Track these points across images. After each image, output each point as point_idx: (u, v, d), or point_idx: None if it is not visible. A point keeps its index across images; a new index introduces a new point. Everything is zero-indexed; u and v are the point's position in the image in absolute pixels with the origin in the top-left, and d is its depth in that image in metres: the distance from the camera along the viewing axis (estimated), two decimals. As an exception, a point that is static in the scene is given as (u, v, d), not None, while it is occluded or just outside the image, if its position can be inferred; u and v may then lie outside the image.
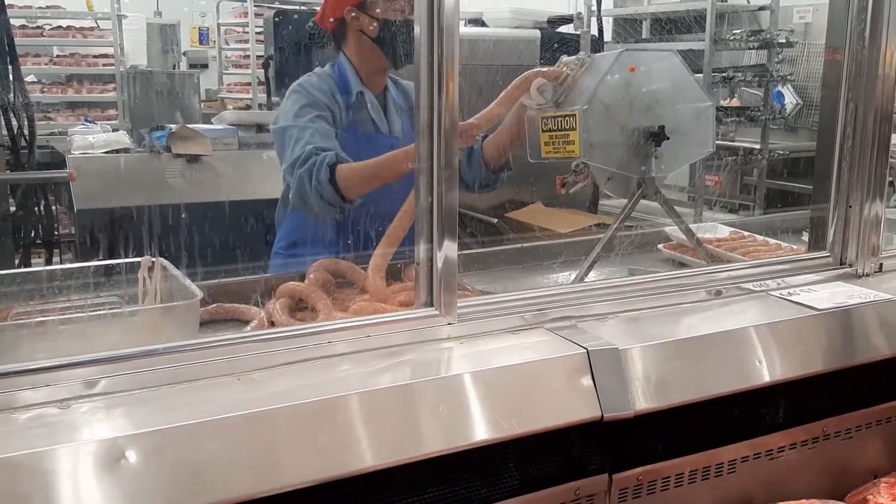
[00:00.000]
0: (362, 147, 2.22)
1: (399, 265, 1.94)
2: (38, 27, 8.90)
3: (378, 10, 2.24)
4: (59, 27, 9.05)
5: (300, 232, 2.38)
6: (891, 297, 1.77)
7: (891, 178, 2.21)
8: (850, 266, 1.93)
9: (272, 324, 1.75)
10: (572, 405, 1.39)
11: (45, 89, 8.93)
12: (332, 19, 2.34)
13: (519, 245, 2.35)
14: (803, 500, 1.56)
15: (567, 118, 1.93)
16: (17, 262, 4.27)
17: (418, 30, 1.39)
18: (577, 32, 4.27)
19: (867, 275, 1.93)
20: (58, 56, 9.23)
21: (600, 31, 5.15)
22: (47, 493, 1.06)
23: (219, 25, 10.24)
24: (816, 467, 1.69)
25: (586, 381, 1.41)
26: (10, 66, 4.19)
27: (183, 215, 3.86)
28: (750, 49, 6.44)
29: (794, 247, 2.32)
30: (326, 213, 2.16)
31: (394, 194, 1.91)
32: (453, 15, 1.38)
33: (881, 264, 1.95)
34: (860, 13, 1.82)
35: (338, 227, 2.26)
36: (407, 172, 1.75)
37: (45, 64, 9.09)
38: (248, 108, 9.13)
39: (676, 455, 1.52)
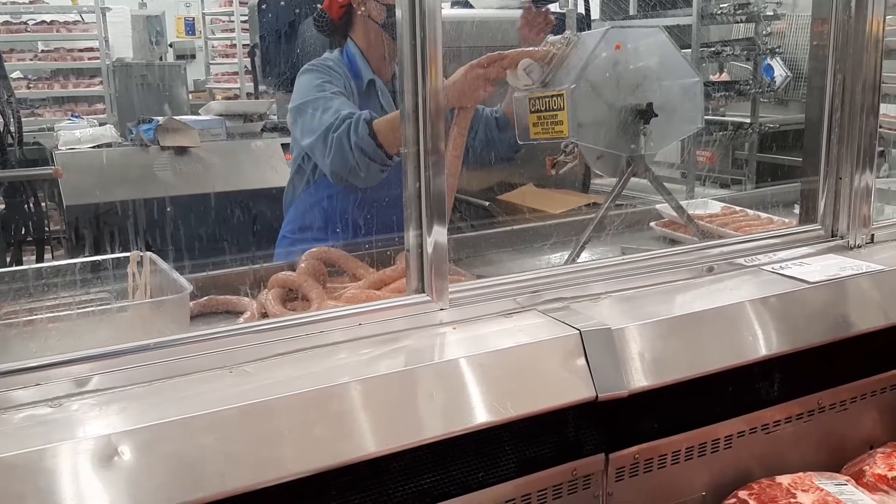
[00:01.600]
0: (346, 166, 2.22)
1: (389, 252, 1.94)
2: (22, 23, 8.84)
3: None
4: (43, 22, 8.98)
5: (309, 217, 2.37)
6: (882, 267, 1.77)
7: (881, 148, 2.21)
8: (842, 238, 1.93)
9: (265, 315, 1.74)
10: (567, 386, 1.39)
11: (31, 85, 8.87)
12: (340, 5, 2.33)
13: (510, 227, 2.35)
14: (800, 473, 1.56)
15: (555, 98, 1.92)
16: (8, 260, 4.26)
17: (400, 13, 1.38)
18: (563, 11, 4.24)
19: (859, 246, 1.93)
20: (42, 51, 9.16)
21: (587, 8, 5.11)
22: (42, 493, 1.05)
23: (204, 15, 10.16)
24: (812, 440, 1.70)
25: (580, 361, 1.41)
26: (-5, 64, 4.16)
27: (173, 208, 3.85)
28: (738, 23, 6.41)
29: (786, 220, 2.31)
30: (370, 172, 2.12)
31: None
32: (435, -1, 1.36)
33: (872, 235, 1.95)
34: (846, -17, 1.81)
35: (346, 212, 2.25)
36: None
37: (30, 60, 9.03)
38: (236, 97, 9.08)
39: (672, 432, 1.52)
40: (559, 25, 2.16)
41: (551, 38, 2.02)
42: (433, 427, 1.29)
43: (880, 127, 1.93)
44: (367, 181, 2.16)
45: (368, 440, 1.24)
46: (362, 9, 2.29)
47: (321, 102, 2.18)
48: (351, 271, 1.94)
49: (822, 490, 1.49)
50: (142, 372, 1.27)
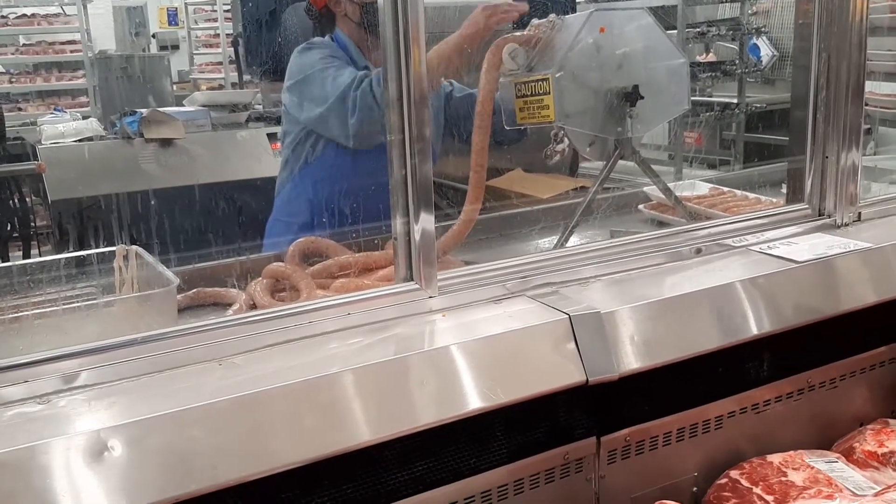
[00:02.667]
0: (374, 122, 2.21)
1: (377, 240, 1.93)
2: (2, 16, 8.74)
3: None
4: (24, 16, 8.89)
5: (301, 201, 2.37)
6: (869, 245, 1.78)
7: (867, 126, 2.21)
8: (829, 217, 1.93)
9: (254, 306, 1.73)
10: (557, 371, 1.39)
11: (14, 79, 8.79)
12: (321, 4, 2.35)
13: (498, 213, 2.34)
14: (791, 452, 1.57)
15: (540, 83, 1.91)
16: (-5, 256, 4.23)
17: (381, 0, 1.37)
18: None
19: (846, 224, 1.93)
20: (24, 45, 9.08)
21: (572, -9, 5.09)
22: (33, 490, 1.05)
23: (186, 4, 10.07)
24: (803, 418, 1.71)
25: (570, 346, 1.41)
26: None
27: (159, 201, 3.83)
28: (723, 2, 6.41)
29: (774, 200, 2.32)
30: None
31: None
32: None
33: (859, 213, 1.96)
34: (829, -39, 1.80)
35: (338, 197, 2.24)
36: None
37: (12, 54, 8.94)
38: (220, 87, 9.02)
39: (663, 414, 1.52)
40: (544, 9, 2.15)
41: (535, 21, 2.01)
42: (425, 415, 1.29)
43: (866, 105, 1.93)
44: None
45: (360, 429, 1.24)
46: (339, 9, 2.31)
47: (331, 71, 2.18)
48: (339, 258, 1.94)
49: (812, 468, 1.50)
50: (130, 366, 1.26)
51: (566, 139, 1.95)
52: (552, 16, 2.00)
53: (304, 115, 2.27)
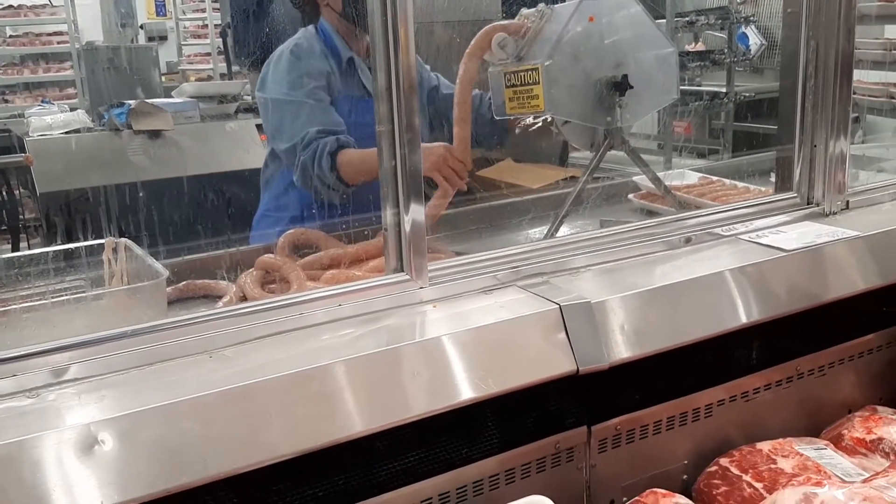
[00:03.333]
0: (358, 111, 2.20)
1: (367, 232, 1.93)
2: (-12, 8, 8.67)
3: None
4: (10, 7, 8.81)
5: (288, 195, 2.36)
6: (857, 233, 1.79)
7: (855, 115, 2.22)
8: (818, 205, 1.94)
9: (244, 298, 1.73)
10: (548, 361, 1.40)
11: (0, 71, 8.71)
12: None
13: (489, 203, 2.34)
14: (780, 439, 1.58)
15: (530, 72, 1.91)
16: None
17: (370, -12, 1.36)
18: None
19: (834, 213, 1.94)
20: (11, 37, 9.00)
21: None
22: (24, 484, 1.04)
23: (174, -5, 9.99)
24: (792, 406, 1.72)
25: (560, 336, 1.41)
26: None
27: (147, 193, 3.81)
28: (712, -8, 6.41)
29: (763, 189, 2.32)
30: (330, 195, 2.16)
31: None
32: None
33: (847, 202, 1.97)
34: (817, -51, 1.81)
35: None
36: None
37: (-1, 45, 8.86)
38: (209, 78, 8.97)
39: (654, 403, 1.53)
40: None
41: (525, 10, 2.01)
42: (416, 405, 1.29)
43: (854, 94, 1.93)
44: (324, 198, 2.18)
45: (352, 420, 1.24)
46: None
47: (292, 107, 2.17)
48: (329, 250, 1.93)
49: (801, 455, 1.51)
50: (120, 359, 1.26)
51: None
52: (541, 5, 2.00)
53: (269, 136, 2.28)
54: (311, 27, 2.33)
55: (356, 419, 1.24)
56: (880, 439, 1.58)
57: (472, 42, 1.97)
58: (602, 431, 1.48)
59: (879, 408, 1.72)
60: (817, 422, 1.73)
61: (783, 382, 1.69)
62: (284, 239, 1.95)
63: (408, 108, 1.39)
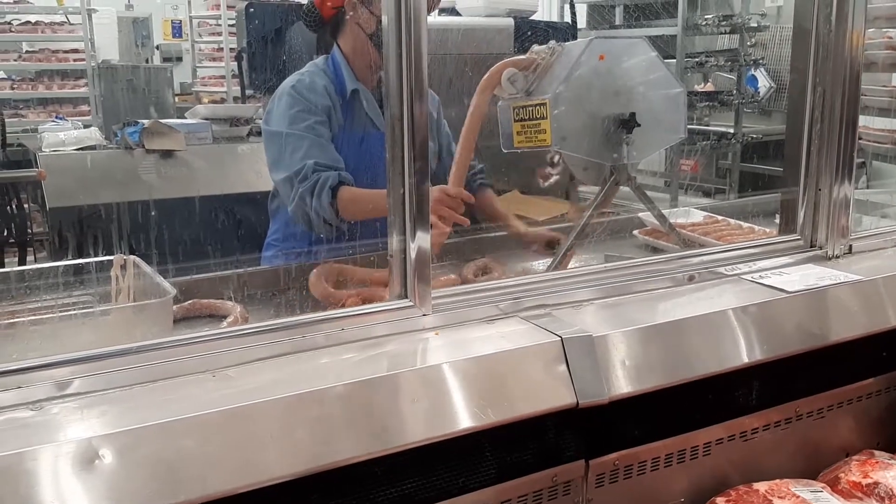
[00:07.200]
0: (360, 146, 2.22)
1: (373, 258, 1.94)
2: (6, 23, 8.77)
3: (378, 7, 2.18)
4: (28, 23, 8.90)
5: (294, 226, 2.36)
6: (860, 277, 1.80)
7: (860, 160, 2.23)
8: (821, 248, 1.95)
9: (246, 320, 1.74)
10: (548, 393, 1.40)
11: (15, 86, 8.80)
12: (332, 6, 2.30)
13: (494, 234, 2.36)
14: (777, 480, 1.58)
15: (538, 107, 1.94)
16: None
17: (385, 20, 1.39)
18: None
19: (837, 256, 1.95)
20: (27, 52, 9.09)
21: (573, 18, 5.15)
22: (22, 497, 1.05)
23: (191, 18, 10.12)
24: (790, 447, 1.72)
25: (561, 368, 1.42)
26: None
27: (157, 212, 3.84)
28: (722, 34, 6.48)
29: (767, 230, 2.34)
30: (324, 229, 2.18)
31: None
32: (420, 4, 1.37)
33: (850, 246, 1.98)
34: (827, -3, 1.84)
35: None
36: None
37: (15, 60, 8.94)
38: (222, 101, 9.05)
39: (652, 439, 1.53)
40: (547, 35, 2.19)
41: (536, 47, 2.04)
42: (414, 432, 1.29)
43: (859, 139, 1.95)
44: (318, 231, 2.20)
45: (349, 445, 1.24)
46: (352, 13, 2.26)
47: (292, 140, 2.19)
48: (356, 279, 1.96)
49: (798, 497, 1.51)
50: (124, 375, 1.26)
51: (561, 163, 1.97)
52: (552, 42, 2.03)
53: (270, 169, 2.29)
54: (319, 59, 2.34)
55: (355, 443, 1.25)
56: (876, 483, 1.58)
57: (484, 77, 2.00)
58: (600, 466, 1.48)
59: (877, 452, 1.72)
60: (814, 464, 1.73)
61: (782, 423, 1.69)
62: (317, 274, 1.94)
63: (418, 138, 1.42)
